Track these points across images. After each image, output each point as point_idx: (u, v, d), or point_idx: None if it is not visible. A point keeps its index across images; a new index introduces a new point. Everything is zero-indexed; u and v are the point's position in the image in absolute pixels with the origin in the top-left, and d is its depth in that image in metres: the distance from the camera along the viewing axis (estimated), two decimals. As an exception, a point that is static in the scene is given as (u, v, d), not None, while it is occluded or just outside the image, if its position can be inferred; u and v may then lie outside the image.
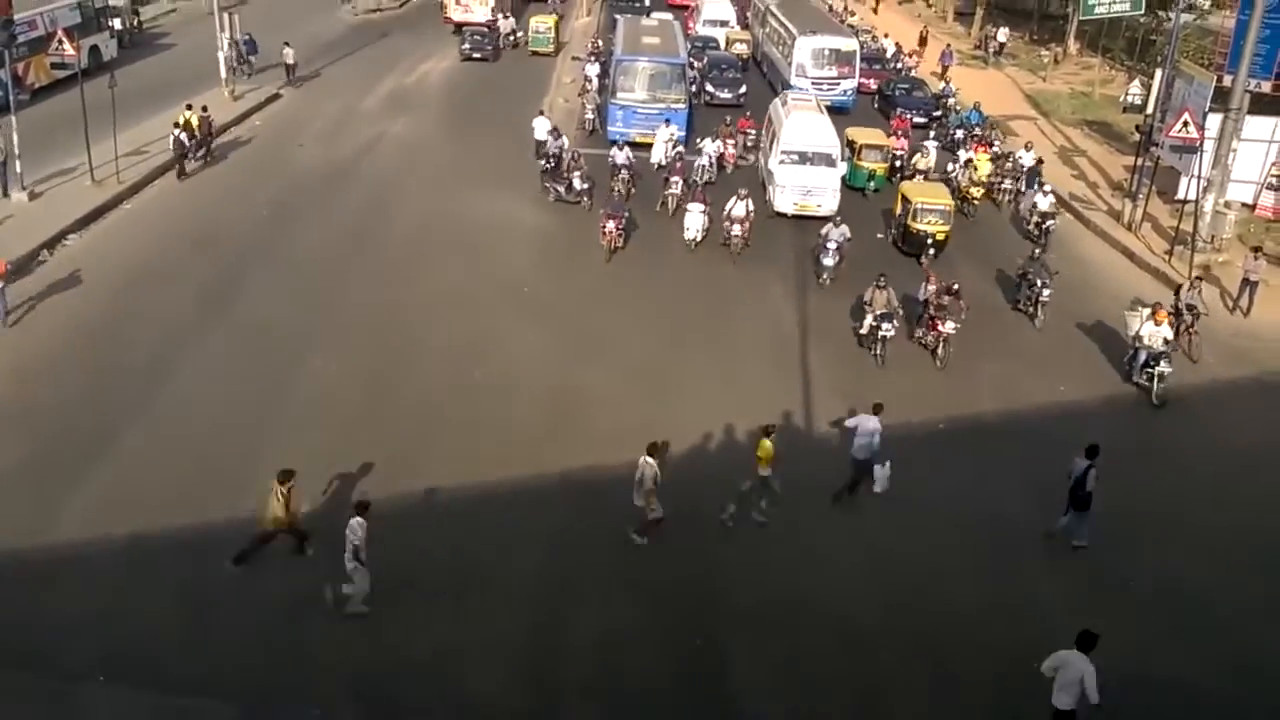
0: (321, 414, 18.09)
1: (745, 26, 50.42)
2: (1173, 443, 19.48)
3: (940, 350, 21.32)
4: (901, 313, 21.57)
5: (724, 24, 49.78)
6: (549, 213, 28.13)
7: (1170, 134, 27.10)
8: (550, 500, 16.21)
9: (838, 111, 37.32)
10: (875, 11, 63.38)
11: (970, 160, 30.49)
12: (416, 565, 14.72)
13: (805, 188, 27.92)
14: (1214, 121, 27.41)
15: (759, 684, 13.33)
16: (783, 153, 28.43)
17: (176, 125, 29.20)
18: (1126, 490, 16.78)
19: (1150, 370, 20.53)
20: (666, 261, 25.56)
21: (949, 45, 49.82)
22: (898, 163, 31.83)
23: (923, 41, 51.89)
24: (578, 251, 25.81)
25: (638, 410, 18.66)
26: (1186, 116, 26.40)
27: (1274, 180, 29.94)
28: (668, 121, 31.92)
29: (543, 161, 29.45)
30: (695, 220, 25.99)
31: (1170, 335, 20.79)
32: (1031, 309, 23.36)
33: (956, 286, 21.55)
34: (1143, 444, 19.39)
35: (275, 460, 15.56)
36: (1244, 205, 29.88)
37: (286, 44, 39.61)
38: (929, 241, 25.54)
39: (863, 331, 21.51)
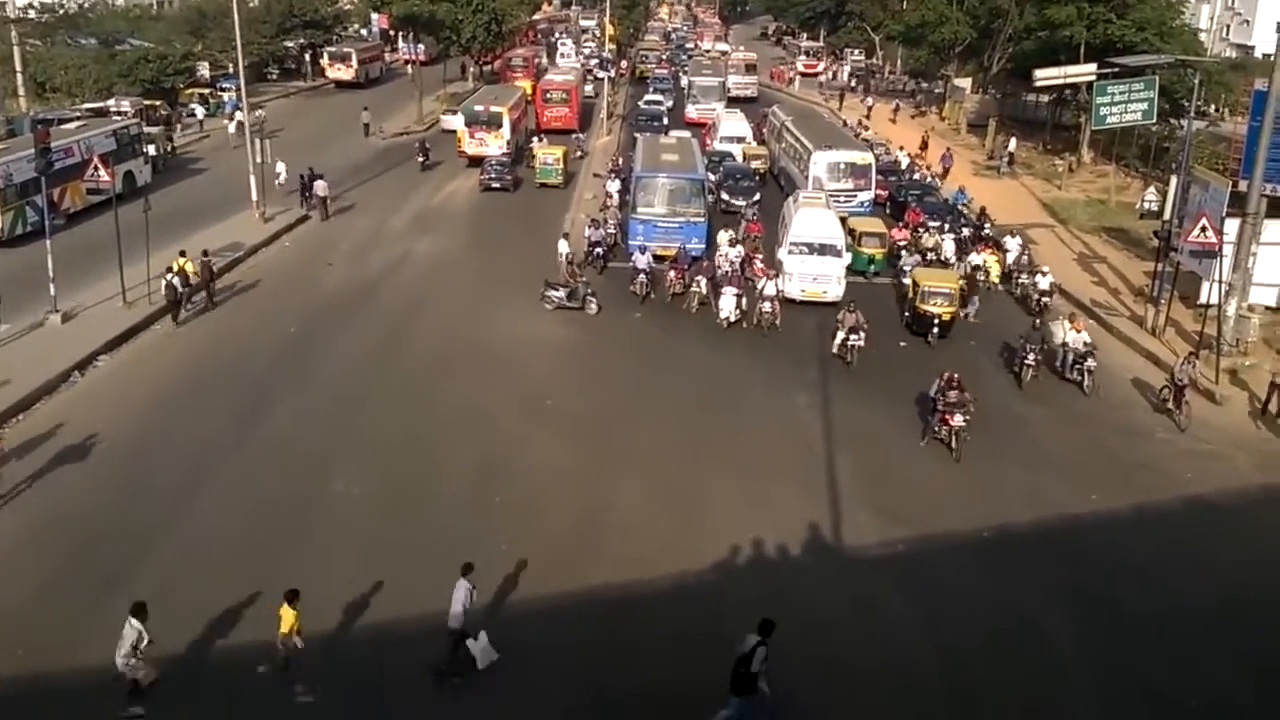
0: (343, 537, 17.99)
1: (761, 142, 51.35)
2: (1207, 549, 19.03)
3: (954, 443, 21.77)
4: (867, 327, 26.06)
5: (740, 140, 50.58)
6: (571, 327, 28.37)
7: (1189, 239, 27.25)
8: (574, 620, 15.99)
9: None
10: (893, 122, 64.60)
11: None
12: (441, 688, 14.49)
13: (812, 275, 30.39)
14: (1232, 226, 27.58)
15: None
16: (792, 244, 30.87)
17: (169, 270, 27.76)
18: (1160, 597, 16.47)
19: (1080, 367, 25.16)
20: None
21: (948, 148, 52.08)
22: (900, 251, 33.93)
23: (924, 145, 54.79)
24: (601, 364, 25.95)
25: (662, 529, 18.56)
26: (1204, 221, 26.57)
27: (1296, 283, 29.96)
28: (732, 241, 33.16)
29: (598, 249, 33.09)
30: (729, 302, 28.29)
31: (1088, 339, 25.76)
32: (1019, 370, 25.65)
33: (957, 378, 22.11)
34: (1173, 545, 19.08)
35: (296, 583, 15.52)
36: (1267, 308, 29.84)
37: (321, 176, 39.44)
38: (934, 321, 27.67)
39: (835, 348, 26.18)
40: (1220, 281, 26.91)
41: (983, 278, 32.53)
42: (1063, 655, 15.85)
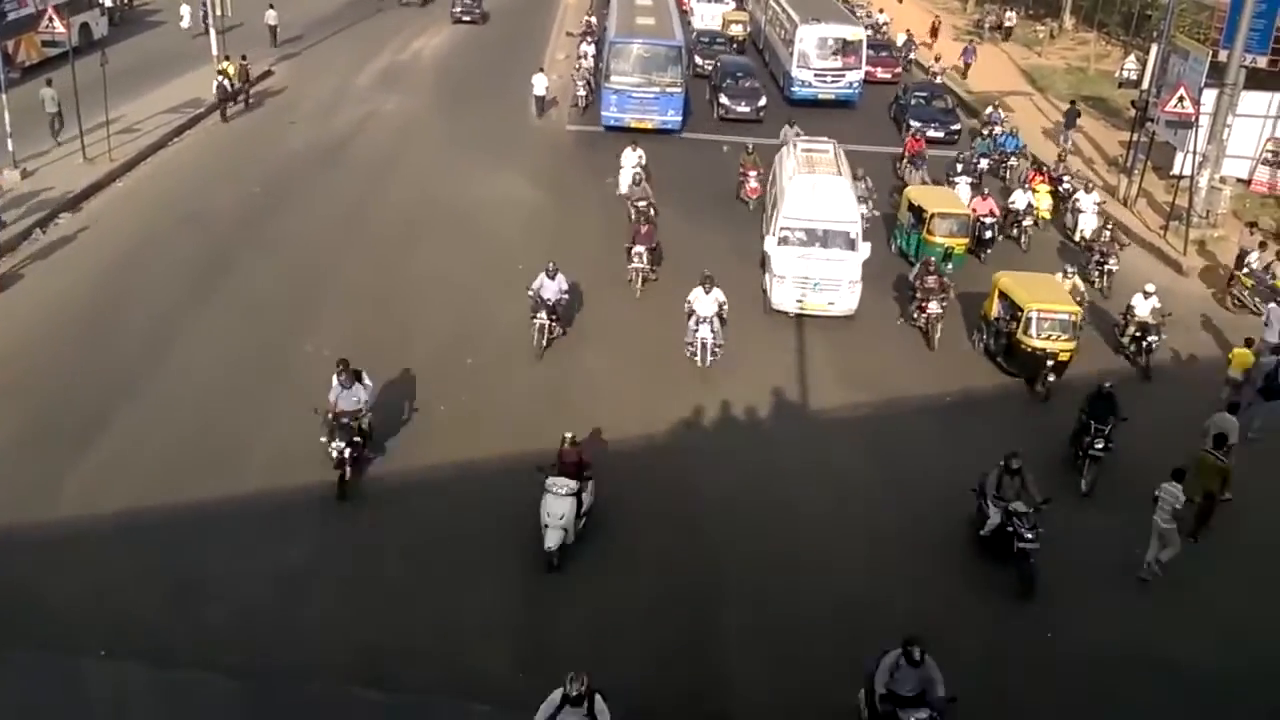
0: (314, 395, 17.94)
1: (742, 4, 49.64)
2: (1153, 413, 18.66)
3: (929, 331, 21.22)
4: (1046, 506, 14.70)
5: (720, 1, 49.04)
6: (542, 189, 28.02)
7: (1166, 109, 27.07)
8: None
9: (843, 105, 36.78)
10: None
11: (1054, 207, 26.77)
12: (416, 544, 14.82)
13: (812, 279, 21.62)
14: (1209, 97, 27.37)
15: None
16: (783, 228, 21.97)
17: (220, 74, 32.00)
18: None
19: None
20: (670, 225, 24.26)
21: (972, 41, 46.90)
22: (988, 234, 24.98)
23: (934, 32, 49.33)
24: (572, 228, 25.69)
25: (633, 390, 18.74)
26: (1182, 92, 26.37)
27: (1269, 156, 29.96)
28: (634, 146, 27.83)
29: (340, 446, 15.49)
30: (558, 509, 14.32)
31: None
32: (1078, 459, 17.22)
33: (933, 262, 21.59)
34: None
35: (267, 440, 15.61)
36: (1239, 181, 29.90)
37: (271, 5, 39.76)
38: (1049, 364, 19.36)
39: (983, 533, 15.05)
40: (1194, 153, 26.86)
41: (1029, 221, 26.14)
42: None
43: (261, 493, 15.49)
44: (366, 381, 15.98)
